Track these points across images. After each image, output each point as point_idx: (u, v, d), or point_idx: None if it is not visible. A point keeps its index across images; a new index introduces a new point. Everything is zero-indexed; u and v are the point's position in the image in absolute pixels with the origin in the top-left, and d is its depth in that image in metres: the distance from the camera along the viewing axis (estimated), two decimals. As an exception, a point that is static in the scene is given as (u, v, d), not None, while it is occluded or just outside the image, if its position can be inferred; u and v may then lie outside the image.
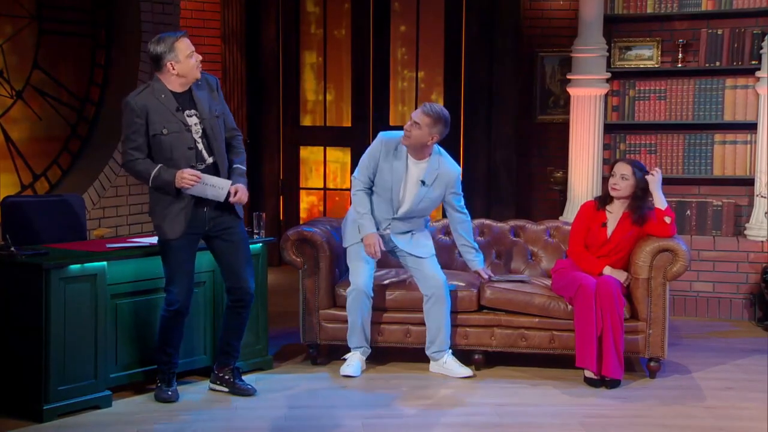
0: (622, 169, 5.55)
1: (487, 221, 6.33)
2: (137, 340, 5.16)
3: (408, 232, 5.65)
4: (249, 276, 5.11)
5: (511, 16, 8.57)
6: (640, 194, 5.54)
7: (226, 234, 5.05)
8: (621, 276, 5.48)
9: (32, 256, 4.80)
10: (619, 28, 7.48)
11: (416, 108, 5.76)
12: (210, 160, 4.96)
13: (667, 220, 5.52)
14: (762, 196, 6.98)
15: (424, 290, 5.53)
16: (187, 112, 4.92)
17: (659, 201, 5.55)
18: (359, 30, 8.99)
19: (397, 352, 5.77)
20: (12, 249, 4.84)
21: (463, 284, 5.68)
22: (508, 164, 8.64)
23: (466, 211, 5.74)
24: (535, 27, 8.67)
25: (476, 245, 5.77)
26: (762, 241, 6.99)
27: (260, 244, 5.60)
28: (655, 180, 5.54)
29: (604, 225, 5.58)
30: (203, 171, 4.91)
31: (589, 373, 5.36)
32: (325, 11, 9.11)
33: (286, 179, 9.21)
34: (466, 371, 5.51)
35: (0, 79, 6.70)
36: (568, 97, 7.62)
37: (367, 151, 5.65)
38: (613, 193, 5.57)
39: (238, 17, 8.87)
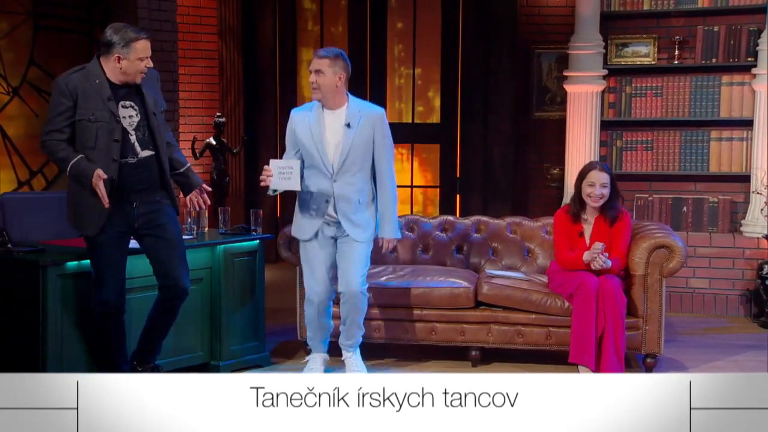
0: (602, 178, 5.47)
1: (484, 218, 6.33)
2: (132, 336, 5.14)
3: (354, 200, 5.16)
4: (183, 274, 4.83)
5: (507, 12, 8.57)
6: (612, 194, 5.51)
7: (159, 230, 4.75)
8: (592, 254, 5.40)
9: (29, 253, 4.80)
10: (615, 25, 7.49)
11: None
12: (146, 153, 4.67)
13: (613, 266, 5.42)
14: (758, 193, 6.99)
15: (340, 288, 5.25)
16: (122, 103, 4.62)
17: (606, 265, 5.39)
18: (356, 27, 8.99)
19: (395, 349, 5.77)
20: (9, 246, 4.84)
21: (461, 282, 5.69)
22: (505, 161, 8.64)
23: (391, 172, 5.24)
24: (532, 24, 8.67)
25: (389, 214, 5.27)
26: (758, 238, 7.00)
27: (257, 241, 5.59)
28: (599, 262, 5.36)
29: (581, 234, 5.56)
30: (135, 165, 4.62)
31: (584, 369, 5.35)
32: (322, 8, 9.11)
33: (283, 176, 9.19)
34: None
35: (-4, 76, 6.71)
36: (564, 93, 7.62)
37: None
38: (594, 204, 5.52)
39: (235, 14, 8.86)
